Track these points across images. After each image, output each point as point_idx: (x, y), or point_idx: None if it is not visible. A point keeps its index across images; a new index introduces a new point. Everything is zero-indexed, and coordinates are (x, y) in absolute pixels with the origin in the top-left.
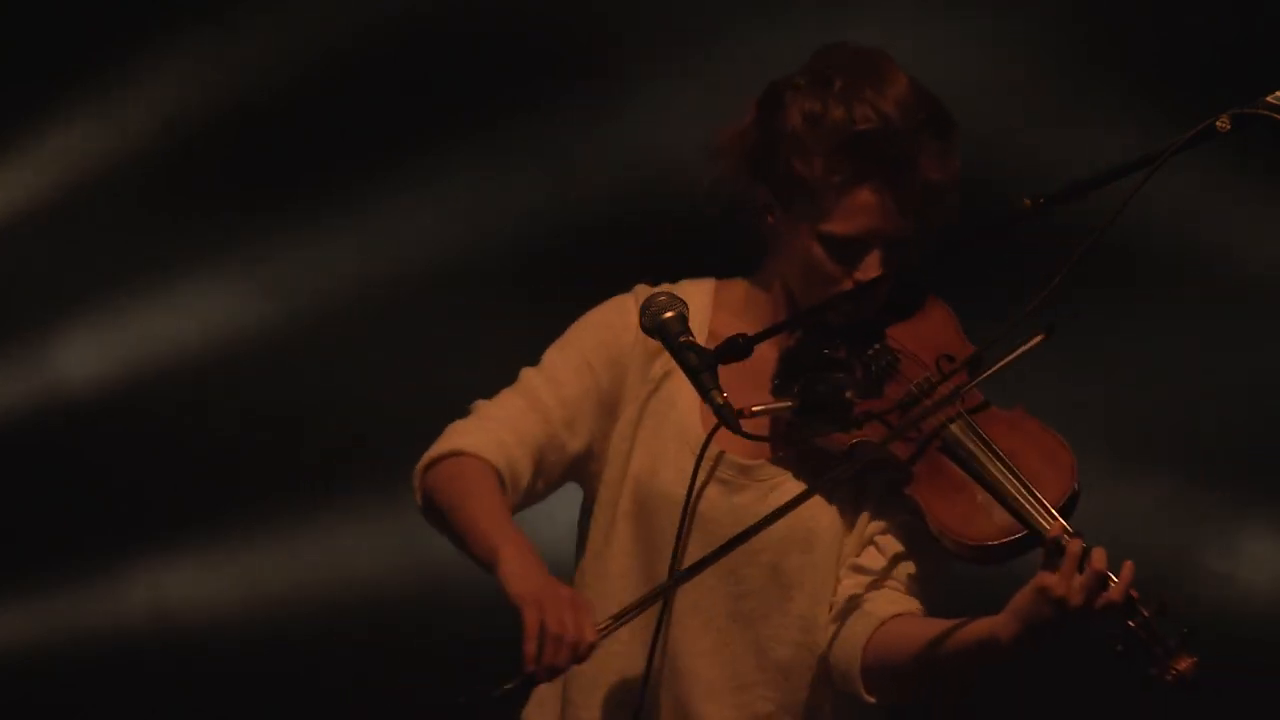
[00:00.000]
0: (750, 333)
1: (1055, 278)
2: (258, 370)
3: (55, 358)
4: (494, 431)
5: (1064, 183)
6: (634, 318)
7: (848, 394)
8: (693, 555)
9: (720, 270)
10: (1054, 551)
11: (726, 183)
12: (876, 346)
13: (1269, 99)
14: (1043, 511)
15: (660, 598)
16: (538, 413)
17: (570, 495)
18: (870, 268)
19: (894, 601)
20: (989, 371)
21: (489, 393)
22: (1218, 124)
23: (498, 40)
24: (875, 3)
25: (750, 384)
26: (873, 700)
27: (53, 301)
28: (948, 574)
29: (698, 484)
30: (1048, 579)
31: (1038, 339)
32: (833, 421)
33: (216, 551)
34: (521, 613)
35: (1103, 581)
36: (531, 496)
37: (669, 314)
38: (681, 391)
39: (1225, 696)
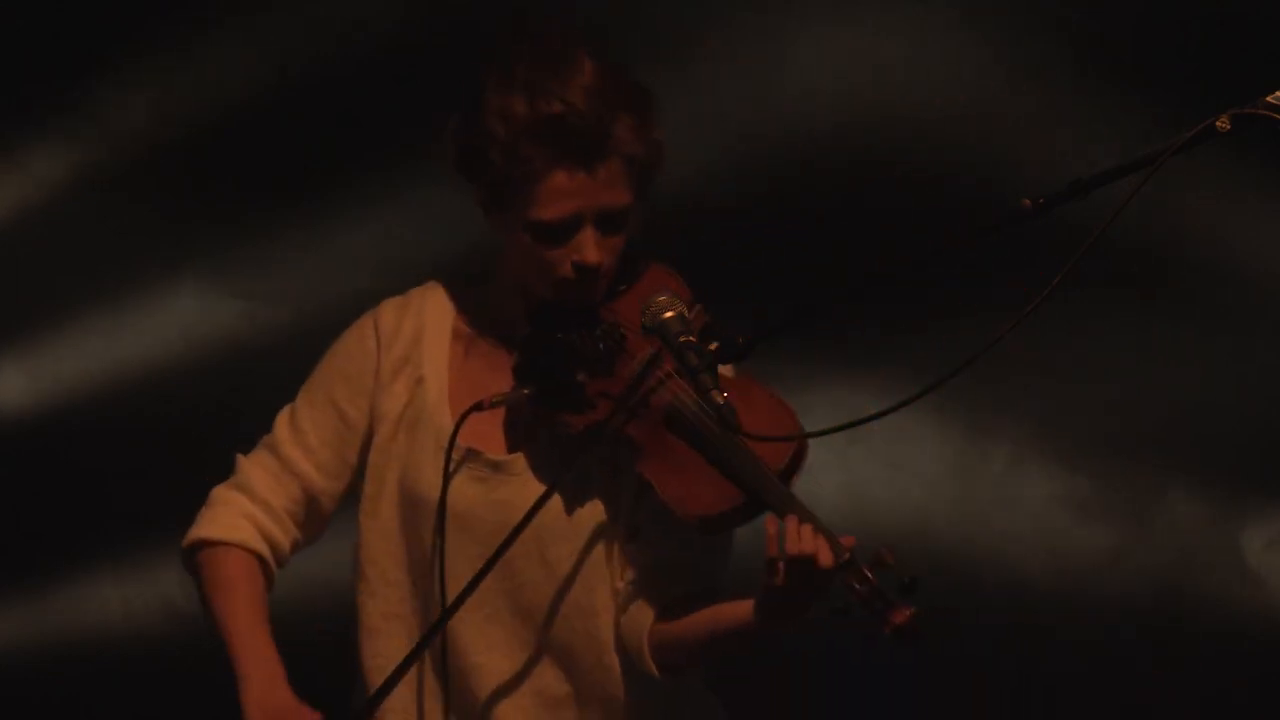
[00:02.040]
0: (491, 333)
1: (1055, 278)
2: (233, 376)
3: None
4: (247, 507)
5: (1064, 183)
6: (371, 341)
7: (580, 376)
8: (459, 555)
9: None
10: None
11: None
12: (602, 325)
13: (1269, 99)
14: (765, 480)
15: (436, 631)
16: (288, 472)
17: None
18: (586, 249)
19: (672, 583)
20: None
21: None
22: (1218, 124)
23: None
24: (864, 7)
25: (500, 379)
26: (664, 677)
27: (45, 303)
28: (717, 546)
29: (455, 484)
30: (770, 562)
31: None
32: (569, 405)
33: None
34: None
35: (815, 551)
36: (309, 542)
37: (669, 314)
38: (433, 396)
39: (1232, 697)
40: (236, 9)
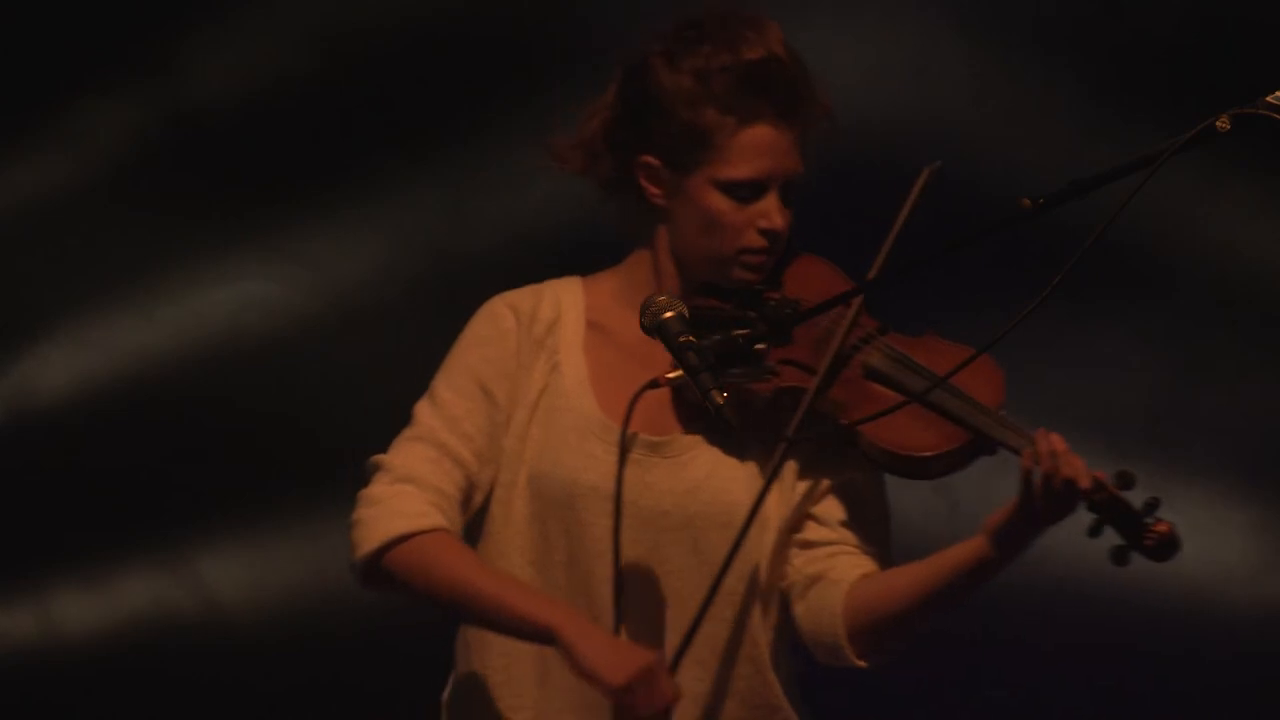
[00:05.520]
0: (629, 321)
1: (1055, 278)
2: (234, 376)
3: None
4: (427, 498)
5: (1064, 183)
6: (509, 323)
7: (759, 346)
8: (605, 541)
9: None
10: (1020, 451)
11: (593, 174)
12: (775, 296)
13: (1269, 99)
14: (992, 416)
15: (706, 606)
16: (450, 459)
17: None
18: (773, 214)
19: (855, 565)
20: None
21: None
22: (1218, 124)
23: (495, 40)
24: (862, 9)
25: (637, 366)
26: (863, 664)
27: (46, 304)
28: (890, 526)
29: (604, 467)
30: (1028, 488)
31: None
32: (750, 375)
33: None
34: (613, 699)
35: (1074, 469)
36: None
37: (669, 314)
38: (572, 382)
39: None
40: (237, 8)
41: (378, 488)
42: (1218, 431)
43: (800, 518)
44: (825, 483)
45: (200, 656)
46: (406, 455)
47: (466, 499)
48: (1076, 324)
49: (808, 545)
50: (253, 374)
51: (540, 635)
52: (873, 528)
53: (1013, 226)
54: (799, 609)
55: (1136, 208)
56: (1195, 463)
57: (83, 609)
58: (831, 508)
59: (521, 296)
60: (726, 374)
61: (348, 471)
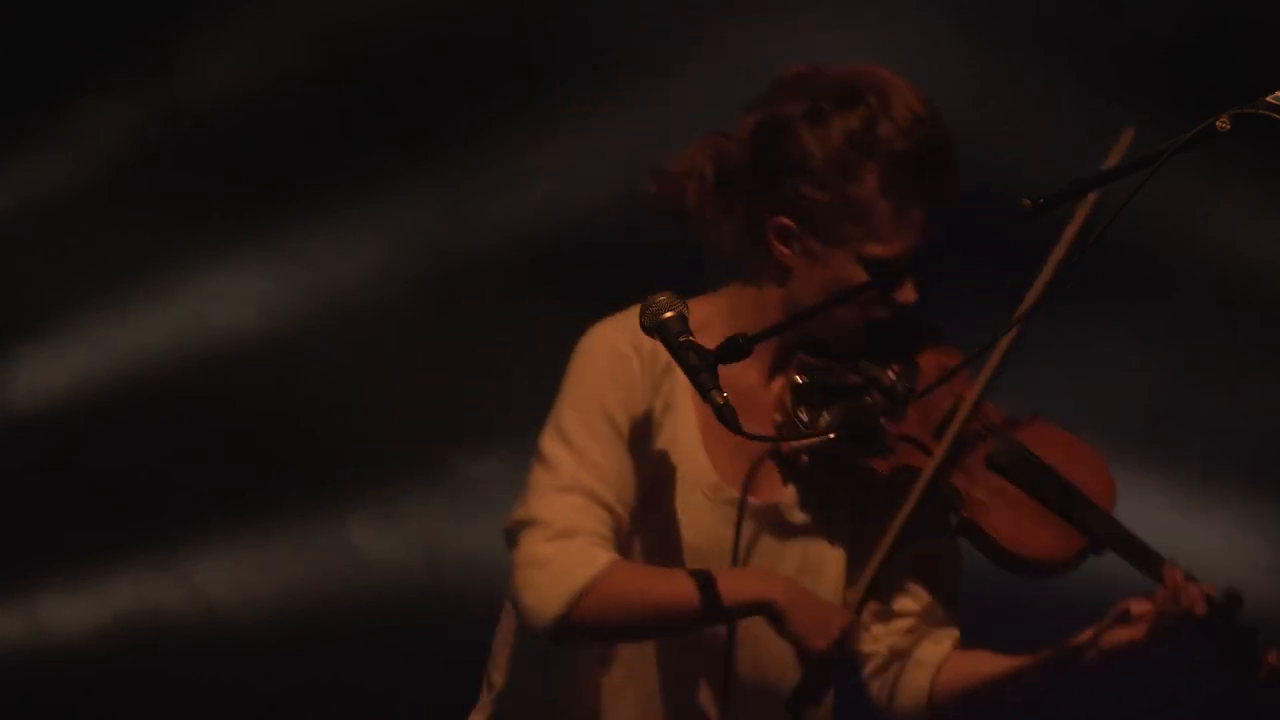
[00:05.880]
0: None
1: (1056, 278)
2: (233, 376)
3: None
4: (590, 542)
5: (1064, 183)
6: (635, 364)
7: (881, 419)
8: None
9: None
10: (1153, 571)
11: (699, 217)
12: (898, 368)
13: (1269, 99)
14: (1119, 530)
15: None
16: (598, 504)
17: None
18: (907, 290)
19: (938, 641)
20: (988, 376)
21: (497, 390)
22: (1218, 124)
23: (495, 40)
24: (860, 10)
25: (742, 414)
26: None
27: (48, 303)
28: (959, 587)
29: (708, 524)
30: (1158, 603)
31: (1011, 333)
32: (874, 449)
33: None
34: (811, 663)
35: (1194, 604)
36: None
37: (669, 314)
38: (681, 429)
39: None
40: (237, 8)
41: (538, 546)
42: (1218, 431)
43: (875, 584)
44: (906, 551)
45: (199, 657)
46: (557, 507)
47: (618, 541)
48: (1076, 324)
49: (885, 616)
50: (253, 374)
51: (755, 611)
52: (948, 594)
53: (1013, 226)
54: (876, 684)
55: (1136, 208)
56: (1195, 463)
57: (80, 610)
58: (912, 577)
59: (637, 334)
60: (842, 447)
61: (348, 471)
